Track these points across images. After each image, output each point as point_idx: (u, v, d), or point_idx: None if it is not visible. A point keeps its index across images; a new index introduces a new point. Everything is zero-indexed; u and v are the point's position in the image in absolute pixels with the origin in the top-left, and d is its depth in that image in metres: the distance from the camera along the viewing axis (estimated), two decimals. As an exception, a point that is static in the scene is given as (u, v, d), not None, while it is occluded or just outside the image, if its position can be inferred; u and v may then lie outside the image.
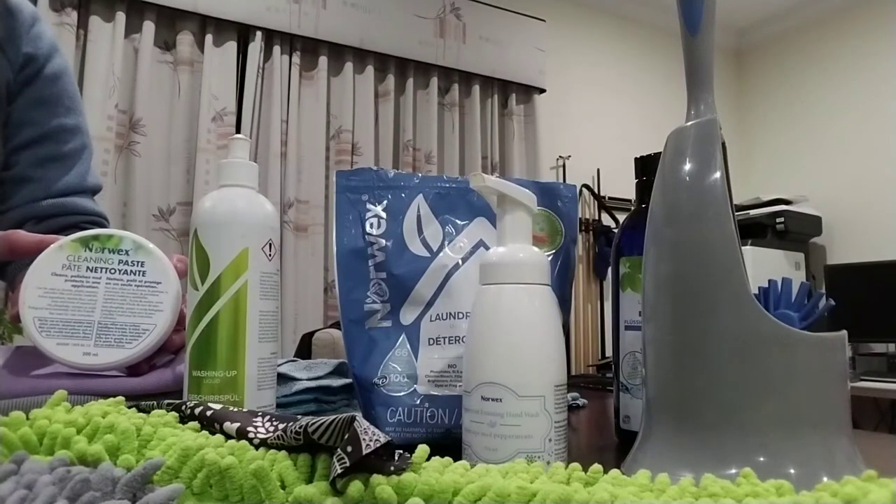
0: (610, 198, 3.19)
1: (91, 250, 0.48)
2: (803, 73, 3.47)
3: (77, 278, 0.47)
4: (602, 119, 3.31)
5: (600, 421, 0.62)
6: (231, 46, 2.33)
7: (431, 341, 0.48)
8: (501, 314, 0.37)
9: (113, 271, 0.48)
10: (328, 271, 2.39)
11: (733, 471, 0.32)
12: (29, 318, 0.46)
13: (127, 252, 0.49)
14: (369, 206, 0.51)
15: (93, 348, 0.47)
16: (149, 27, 2.18)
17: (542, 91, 3.00)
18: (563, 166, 3.12)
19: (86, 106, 0.87)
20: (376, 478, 0.24)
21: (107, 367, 0.47)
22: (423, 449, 0.27)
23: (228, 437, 0.31)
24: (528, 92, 2.98)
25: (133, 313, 0.48)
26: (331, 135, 2.51)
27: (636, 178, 0.53)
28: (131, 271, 0.48)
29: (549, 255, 0.51)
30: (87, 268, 0.48)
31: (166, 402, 0.38)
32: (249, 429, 0.30)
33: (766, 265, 2.76)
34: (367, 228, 0.51)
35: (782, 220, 2.94)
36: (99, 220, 0.84)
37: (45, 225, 0.77)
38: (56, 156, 0.78)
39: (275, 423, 0.31)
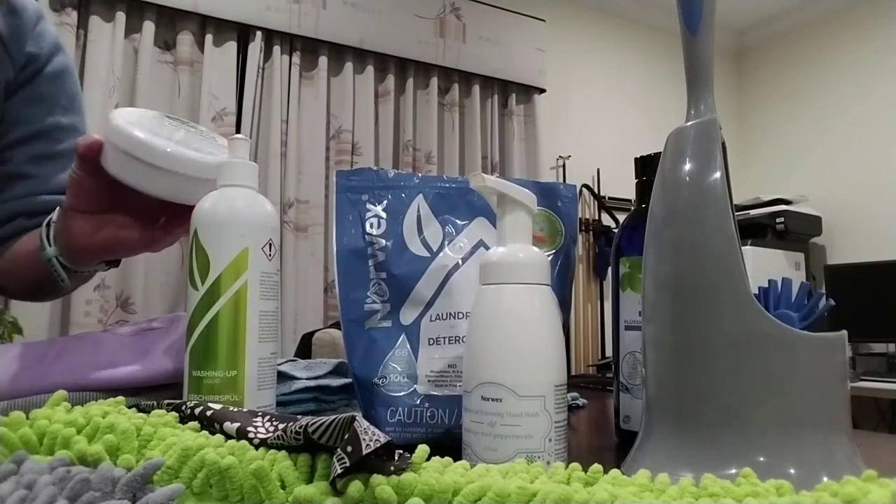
0: (610, 198, 3.19)
1: (158, 118, 0.52)
2: (803, 73, 3.47)
3: (157, 121, 0.51)
4: (602, 119, 3.31)
5: (600, 421, 0.62)
6: (231, 46, 2.33)
7: (431, 341, 0.48)
8: (501, 314, 0.37)
9: (180, 123, 0.53)
10: (328, 271, 2.39)
11: (733, 471, 0.32)
12: (120, 121, 0.48)
13: (180, 120, 0.53)
14: (369, 206, 0.51)
15: (175, 146, 0.49)
16: (149, 27, 2.18)
17: (542, 91, 3.00)
18: (563, 166, 3.12)
19: (86, 106, 0.86)
20: (376, 478, 0.24)
21: (189, 163, 0.49)
22: (423, 449, 0.27)
23: (228, 437, 0.31)
24: (528, 92, 2.98)
25: (203, 143, 0.51)
26: (331, 135, 2.51)
27: (636, 178, 0.53)
28: (201, 133, 0.53)
29: (549, 255, 0.51)
30: (167, 118, 0.52)
31: (166, 401, 0.38)
32: (249, 429, 0.30)
33: (766, 265, 2.76)
34: (367, 228, 0.51)
35: (782, 220, 2.94)
36: None
37: (37, 220, 0.76)
38: (51, 154, 0.77)
39: (275, 423, 0.31)
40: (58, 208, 0.56)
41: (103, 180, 0.51)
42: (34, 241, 0.62)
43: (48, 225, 0.58)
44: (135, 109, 0.51)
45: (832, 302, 0.43)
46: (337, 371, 0.61)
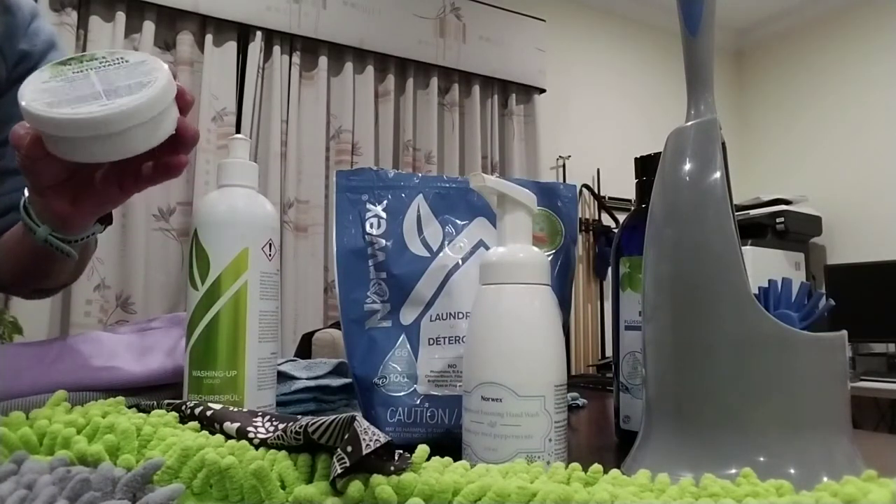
0: (610, 198, 3.19)
1: (70, 65, 0.45)
2: (803, 73, 3.47)
3: (66, 78, 0.44)
4: (602, 119, 3.31)
5: (600, 421, 0.62)
6: (231, 46, 2.33)
7: (431, 341, 0.48)
8: (501, 314, 0.37)
9: (97, 67, 0.45)
10: (328, 271, 2.39)
11: (733, 471, 0.32)
12: (35, 106, 0.42)
13: (104, 57, 0.46)
14: (369, 206, 0.51)
15: (107, 101, 0.42)
16: (149, 27, 2.18)
17: (542, 91, 3.00)
18: (563, 166, 3.12)
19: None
20: (376, 478, 0.24)
21: (126, 114, 0.42)
22: (423, 449, 0.27)
23: (228, 437, 0.31)
24: (528, 92, 2.98)
25: (131, 78, 0.44)
26: (331, 135, 2.51)
27: (636, 178, 0.53)
28: (114, 62, 0.46)
29: (549, 255, 0.51)
30: (72, 72, 0.45)
31: (166, 402, 0.38)
32: (249, 429, 0.30)
33: (766, 265, 2.76)
34: (367, 228, 0.51)
35: (782, 220, 2.94)
36: None
37: None
38: None
39: (275, 423, 0.31)
40: (26, 192, 0.54)
41: (56, 159, 0.47)
42: (18, 229, 0.61)
43: (25, 208, 0.56)
44: (38, 74, 0.45)
45: (832, 302, 0.43)
46: (337, 371, 0.61)
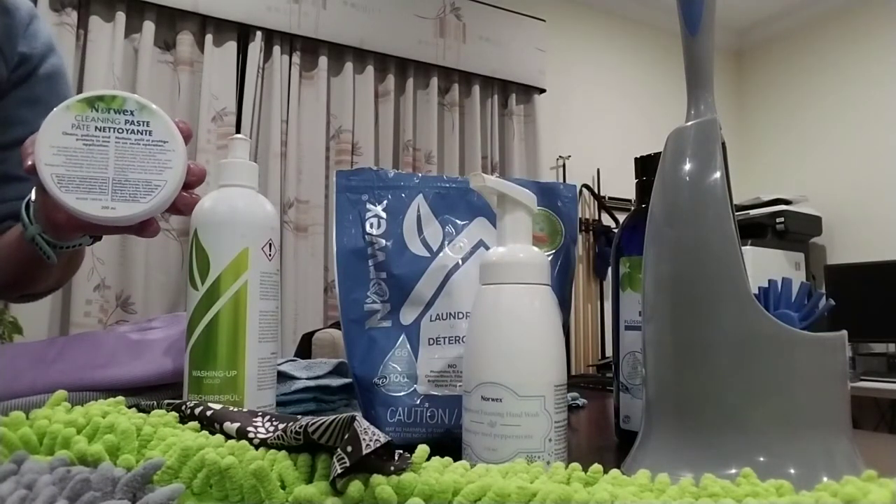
0: (610, 198, 3.19)
1: (97, 110, 0.47)
2: (803, 73, 3.47)
3: (87, 137, 0.46)
4: (602, 119, 3.31)
5: (600, 421, 0.62)
6: (231, 46, 2.33)
7: (431, 341, 0.48)
8: (501, 314, 0.37)
9: (121, 131, 0.47)
10: (328, 271, 2.39)
11: (733, 471, 0.32)
12: (47, 175, 0.45)
13: (132, 112, 0.48)
14: (369, 206, 0.51)
15: (110, 202, 0.46)
16: (149, 27, 2.18)
17: (542, 91, 3.00)
18: (563, 166, 3.12)
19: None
20: (376, 478, 0.24)
21: (124, 219, 0.46)
22: (423, 449, 0.27)
23: (228, 437, 0.31)
24: (528, 92, 2.98)
25: (144, 170, 0.47)
26: (331, 135, 2.51)
27: (636, 178, 0.53)
28: (138, 131, 0.48)
29: (549, 255, 0.51)
30: (96, 127, 0.47)
31: (166, 402, 0.38)
32: (249, 429, 0.30)
33: (766, 265, 2.76)
34: (367, 228, 0.51)
35: (782, 220, 2.94)
36: None
37: None
38: None
39: (275, 423, 0.31)
40: (35, 187, 0.56)
41: None
42: (16, 229, 0.62)
43: (27, 205, 0.57)
44: (64, 111, 0.46)
45: (832, 302, 0.43)
46: (337, 371, 0.61)
